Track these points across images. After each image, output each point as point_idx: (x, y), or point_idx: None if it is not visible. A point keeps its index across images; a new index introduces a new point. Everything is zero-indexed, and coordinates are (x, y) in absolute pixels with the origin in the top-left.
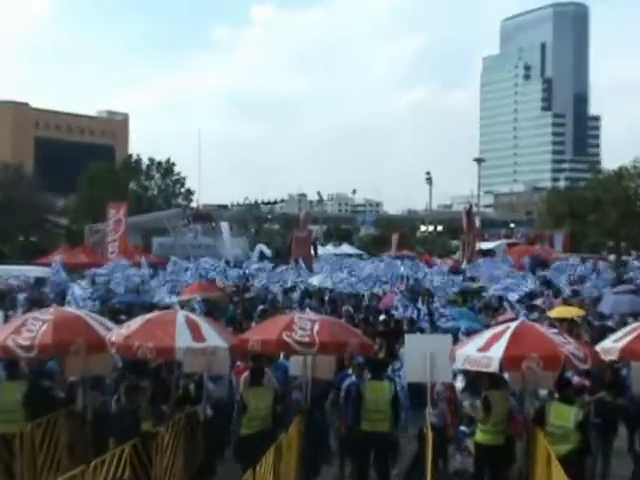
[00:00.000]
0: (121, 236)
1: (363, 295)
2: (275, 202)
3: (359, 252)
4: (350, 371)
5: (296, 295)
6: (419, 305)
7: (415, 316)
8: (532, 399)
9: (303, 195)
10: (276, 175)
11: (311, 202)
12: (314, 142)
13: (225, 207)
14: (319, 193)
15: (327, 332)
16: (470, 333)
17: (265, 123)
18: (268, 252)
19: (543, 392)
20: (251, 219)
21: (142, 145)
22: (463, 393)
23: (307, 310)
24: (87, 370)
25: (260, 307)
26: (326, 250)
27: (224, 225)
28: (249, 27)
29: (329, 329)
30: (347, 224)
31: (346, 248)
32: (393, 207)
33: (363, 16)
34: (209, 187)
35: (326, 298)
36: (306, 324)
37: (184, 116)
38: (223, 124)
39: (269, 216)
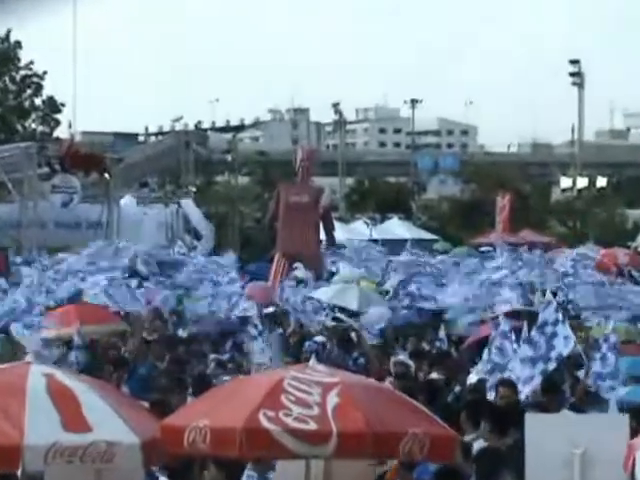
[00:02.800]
0: None
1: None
2: (241, 127)
3: (428, 236)
4: None
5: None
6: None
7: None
8: None
9: (301, 111)
10: (241, 70)
11: (319, 127)
12: None
13: (134, 138)
14: (337, 107)
15: (355, 411)
16: None
17: None
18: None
19: None
20: (189, 163)
21: None
22: None
23: (312, 362)
24: None
25: (213, 356)
26: (353, 231)
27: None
28: None
29: (359, 404)
30: (398, 174)
31: (398, 227)
32: (498, 138)
33: None
34: (98, 96)
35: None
36: (310, 393)
37: None
38: None
39: (228, 157)
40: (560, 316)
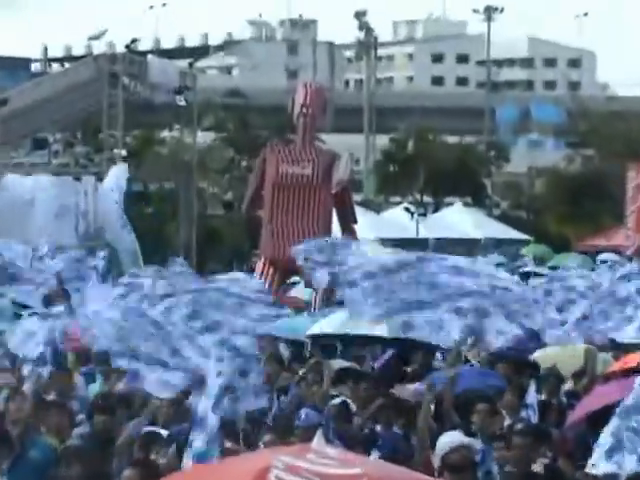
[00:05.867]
0: None
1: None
2: (204, 49)
3: (512, 234)
4: None
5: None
6: None
7: None
8: None
9: (304, 25)
10: None
11: (333, 50)
12: None
13: (24, 66)
14: (362, 18)
15: None
16: None
17: None
18: None
19: None
20: (117, 109)
21: None
22: None
23: (316, 442)
24: None
25: (149, 430)
26: (387, 224)
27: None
28: None
29: None
30: (464, 131)
31: (462, 218)
32: (629, 73)
33: None
34: None
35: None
36: None
37: None
38: None
39: (181, 98)
40: None
